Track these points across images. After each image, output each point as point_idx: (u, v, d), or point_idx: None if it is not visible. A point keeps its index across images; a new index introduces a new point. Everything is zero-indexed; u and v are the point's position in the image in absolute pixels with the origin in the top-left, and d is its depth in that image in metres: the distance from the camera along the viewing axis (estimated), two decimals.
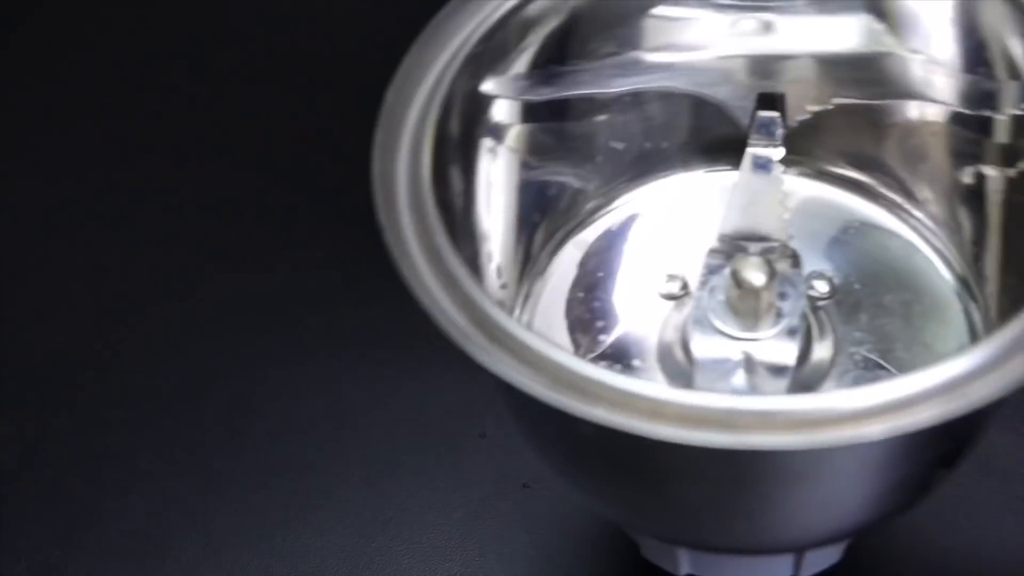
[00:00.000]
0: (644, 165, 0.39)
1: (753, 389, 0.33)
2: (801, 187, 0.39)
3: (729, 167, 0.39)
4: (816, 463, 0.27)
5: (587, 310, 0.38)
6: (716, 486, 0.28)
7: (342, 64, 0.60)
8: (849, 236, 0.38)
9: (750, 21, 0.36)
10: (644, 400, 0.24)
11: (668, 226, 0.39)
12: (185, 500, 0.46)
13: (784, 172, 0.38)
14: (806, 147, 0.38)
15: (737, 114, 0.38)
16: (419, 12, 0.32)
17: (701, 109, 0.38)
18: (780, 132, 0.37)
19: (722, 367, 0.33)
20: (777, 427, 0.24)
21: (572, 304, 0.38)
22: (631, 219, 0.39)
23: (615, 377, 0.25)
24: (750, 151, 0.37)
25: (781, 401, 0.25)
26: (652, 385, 0.25)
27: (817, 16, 0.36)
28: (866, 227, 0.38)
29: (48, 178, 0.60)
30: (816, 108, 0.38)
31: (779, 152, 0.37)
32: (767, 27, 0.36)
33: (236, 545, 0.44)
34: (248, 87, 0.61)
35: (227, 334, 0.51)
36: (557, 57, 0.34)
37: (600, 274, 0.38)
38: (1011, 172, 0.34)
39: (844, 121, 0.37)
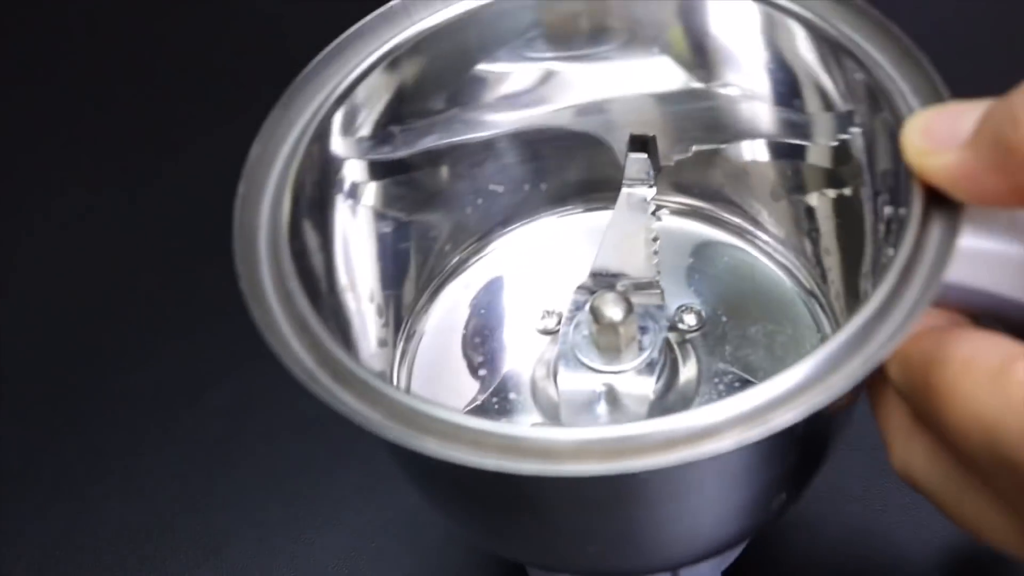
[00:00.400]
0: (525, 206, 0.41)
1: (615, 419, 0.35)
2: (672, 223, 0.41)
3: (608, 206, 0.40)
4: (639, 489, 0.28)
5: (476, 346, 0.39)
6: (553, 512, 0.30)
7: None
8: (718, 270, 0.40)
9: (564, 69, 0.38)
10: (469, 432, 0.26)
11: (549, 263, 0.41)
12: (186, 500, 0.47)
13: (658, 211, 0.40)
14: (663, 188, 0.40)
15: (618, 156, 0.40)
16: None
17: (579, 152, 0.40)
18: (651, 173, 0.39)
19: (585, 399, 0.35)
20: (592, 456, 0.26)
21: (464, 341, 0.39)
22: (515, 257, 0.41)
23: (442, 411, 0.26)
24: (624, 191, 0.39)
25: (596, 432, 0.26)
26: (476, 419, 0.26)
27: (631, 60, 0.37)
28: (734, 261, 0.40)
29: (48, 178, 0.61)
30: (705, 148, 0.40)
31: (651, 192, 0.39)
32: (582, 74, 0.38)
33: (237, 544, 0.45)
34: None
35: (227, 334, 0.51)
36: (395, 118, 0.36)
37: (485, 311, 0.40)
38: (833, 194, 0.36)
39: (693, 160, 0.39)
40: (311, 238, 0.32)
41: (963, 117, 0.27)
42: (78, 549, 0.46)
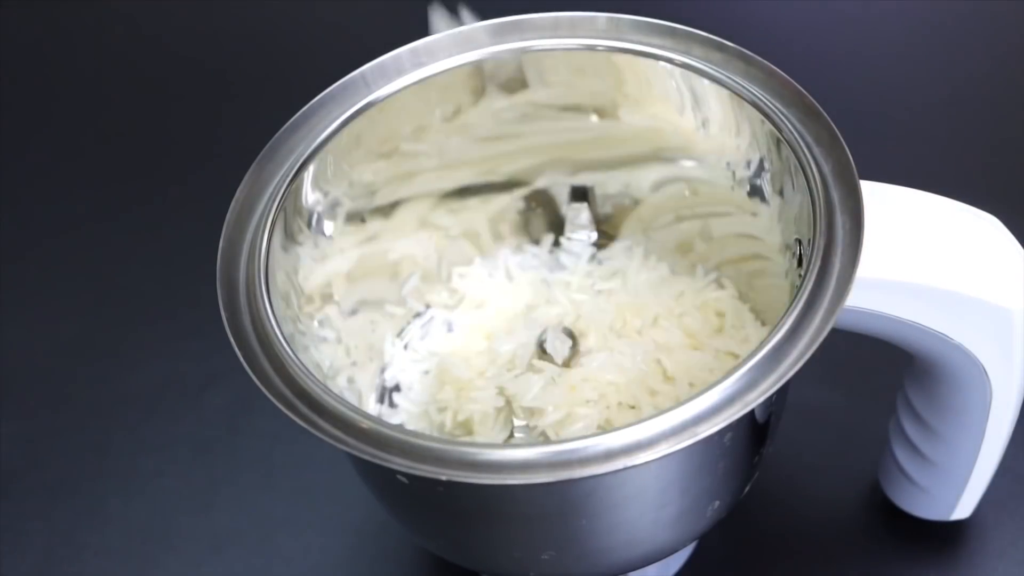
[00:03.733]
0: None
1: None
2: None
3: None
4: (588, 498, 0.32)
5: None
6: (511, 522, 0.33)
7: None
8: None
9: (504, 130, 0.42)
10: (432, 451, 0.30)
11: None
12: (187, 499, 0.47)
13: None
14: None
15: (561, 206, 0.44)
16: None
17: (528, 201, 0.44)
18: (589, 219, 0.43)
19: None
20: (540, 469, 0.29)
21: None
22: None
23: (409, 434, 0.30)
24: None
25: (544, 448, 0.29)
26: (439, 440, 0.30)
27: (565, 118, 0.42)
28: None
29: (49, 179, 0.62)
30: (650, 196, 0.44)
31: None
32: (521, 133, 0.42)
33: (238, 544, 0.46)
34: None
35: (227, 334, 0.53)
36: (355, 175, 0.39)
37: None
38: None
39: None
40: (285, 284, 0.36)
41: None
42: (80, 549, 0.46)
